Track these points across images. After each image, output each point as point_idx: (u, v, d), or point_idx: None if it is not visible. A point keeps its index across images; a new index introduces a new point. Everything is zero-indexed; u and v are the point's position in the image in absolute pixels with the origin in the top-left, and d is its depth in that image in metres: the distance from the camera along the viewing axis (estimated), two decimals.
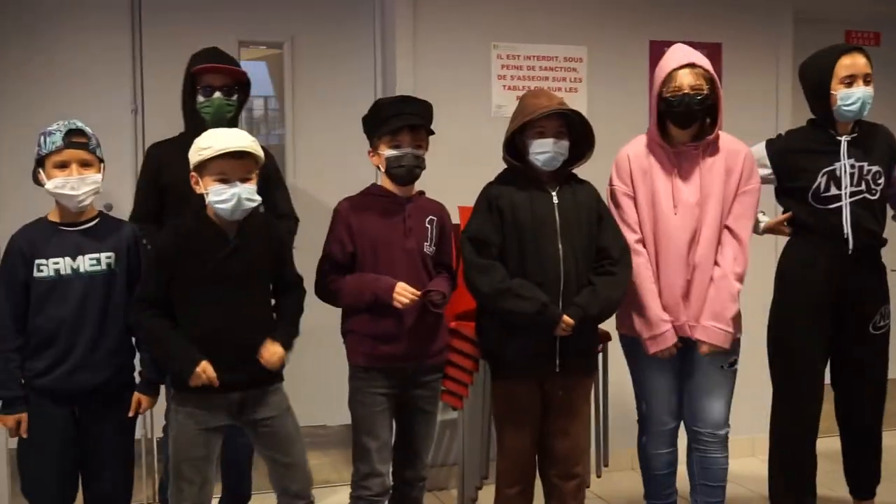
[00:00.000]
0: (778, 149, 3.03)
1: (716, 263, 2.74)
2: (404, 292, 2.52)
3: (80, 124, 2.51)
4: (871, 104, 2.90)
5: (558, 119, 2.61)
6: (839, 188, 2.89)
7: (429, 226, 2.67)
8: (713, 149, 2.74)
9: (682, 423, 2.86)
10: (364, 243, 2.62)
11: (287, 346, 2.49)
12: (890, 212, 3.09)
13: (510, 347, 2.62)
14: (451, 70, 3.73)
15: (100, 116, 3.55)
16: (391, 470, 2.70)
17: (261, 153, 2.43)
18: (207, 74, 2.89)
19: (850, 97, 2.85)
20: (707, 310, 2.71)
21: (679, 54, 2.71)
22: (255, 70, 3.88)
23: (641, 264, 2.71)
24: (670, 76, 2.68)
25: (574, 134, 2.65)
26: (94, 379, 2.48)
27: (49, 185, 2.45)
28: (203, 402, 2.41)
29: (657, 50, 4.02)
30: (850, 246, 2.89)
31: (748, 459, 3.79)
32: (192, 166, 2.40)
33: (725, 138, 2.78)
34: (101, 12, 3.61)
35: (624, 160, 2.79)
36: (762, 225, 3.08)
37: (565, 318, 2.53)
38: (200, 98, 2.90)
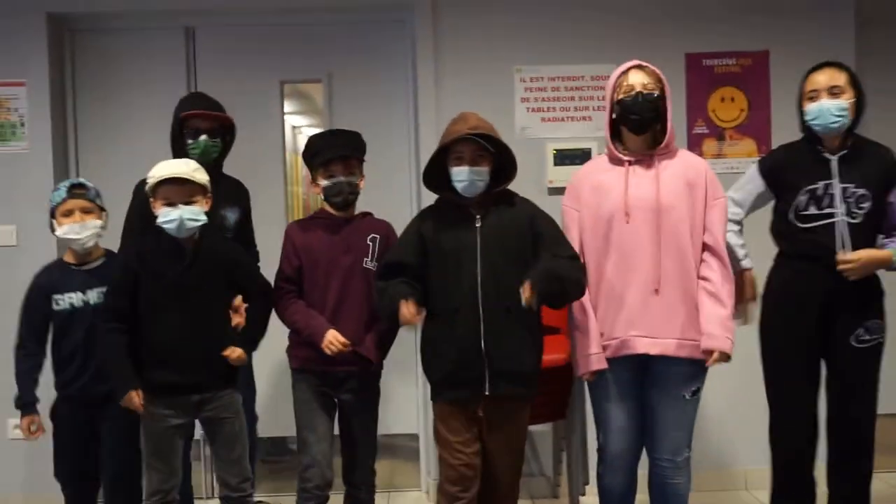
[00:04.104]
0: (769, 166, 2.98)
1: (703, 279, 2.62)
2: (334, 343, 2.75)
3: (81, 179, 2.99)
4: (840, 115, 2.79)
5: (476, 143, 2.59)
6: (819, 208, 2.80)
7: (370, 243, 2.85)
8: (670, 157, 2.67)
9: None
10: (306, 258, 2.85)
11: (247, 349, 2.84)
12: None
13: (436, 369, 2.68)
14: (475, 95, 3.78)
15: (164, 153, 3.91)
16: (330, 464, 2.88)
17: (202, 178, 2.76)
18: (194, 119, 3.16)
19: (810, 113, 2.84)
20: (713, 319, 2.56)
21: (627, 62, 2.71)
22: None
23: None
24: (621, 79, 2.66)
25: (498, 157, 2.65)
26: (105, 388, 2.83)
27: (59, 231, 2.91)
28: (167, 403, 2.76)
29: (695, 63, 3.90)
30: (827, 266, 2.78)
31: (741, 493, 3.54)
32: (148, 193, 2.77)
33: (684, 152, 2.73)
34: (163, 59, 3.99)
35: (577, 178, 2.78)
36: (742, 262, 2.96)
37: (526, 288, 2.43)
38: (189, 140, 3.16)
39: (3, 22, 3.82)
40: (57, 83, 3.92)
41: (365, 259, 2.84)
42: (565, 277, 2.52)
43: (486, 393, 2.60)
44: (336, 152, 2.80)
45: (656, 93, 2.61)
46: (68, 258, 2.98)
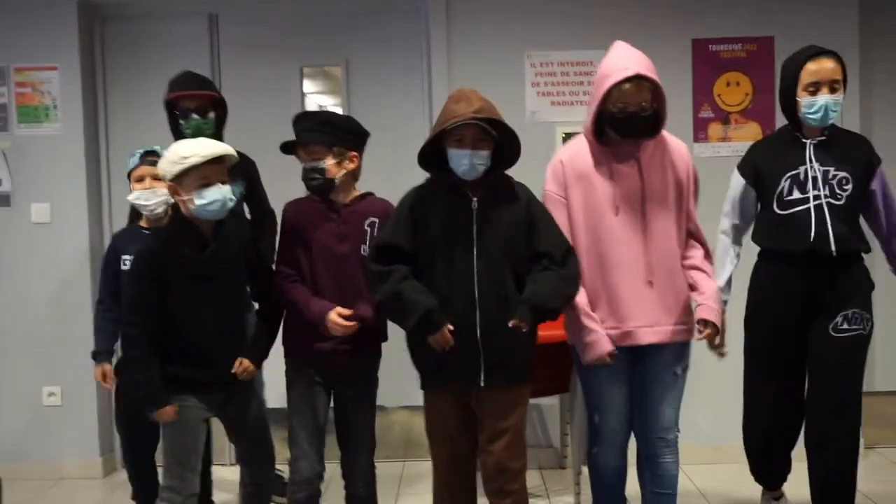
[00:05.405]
0: (748, 163, 2.96)
1: (689, 258, 2.68)
2: (338, 323, 2.61)
3: (155, 147, 3.10)
4: (837, 111, 2.81)
5: (477, 126, 2.46)
6: (802, 192, 2.80)
7: (368, 228, 2.71)
8: (654, 142, 2.64)
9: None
10: (301, 242, 2.72)
11: (257, 362, 2.70)
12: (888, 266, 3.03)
13: (427, 355, 2.54)
14: (486, 80, 3.82)
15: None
16: (322, 457, 2.75)
17: (235, 155, 2.64)
18: (181, 100, 3.20)
19: (813, 105, 2.79)
20: (710, 293, 2.63)
21: (621, 64, 2.54)
22: None
23: None
24: (615, 91, 2.51)
25: (499, 138, 2.51)
26: None
27: (130, 196, 3.08)
28: (192, 396, 2.60)
29: (701, 49, 4.01)
30: (811, 248, 2.78)
31: (710, 467, 3.74)
32: (170, 176, 2.55)
33: (664, 134, 2.67)
34: (187, 44, 4.17)
35: (557, 165, 2.66)
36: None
37: (516, 325, 2.44)
38: (181, 121, 3.21)
39: (38, 10, 4.02)
40: (87, 68, 4.12)
41: (363, 246, 2.70)
42: (554, 308, 2.52)
43: (482, 384, 2.52)
44: (299, 139, 2.70)
45: (650, 108, 2.53)
46: (143, 222, 3.13)
